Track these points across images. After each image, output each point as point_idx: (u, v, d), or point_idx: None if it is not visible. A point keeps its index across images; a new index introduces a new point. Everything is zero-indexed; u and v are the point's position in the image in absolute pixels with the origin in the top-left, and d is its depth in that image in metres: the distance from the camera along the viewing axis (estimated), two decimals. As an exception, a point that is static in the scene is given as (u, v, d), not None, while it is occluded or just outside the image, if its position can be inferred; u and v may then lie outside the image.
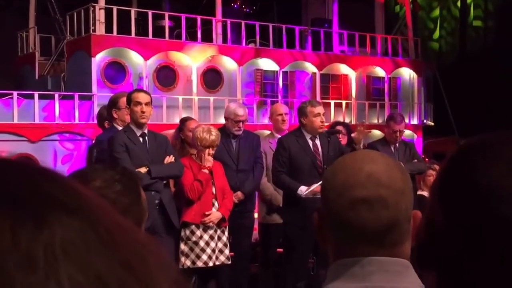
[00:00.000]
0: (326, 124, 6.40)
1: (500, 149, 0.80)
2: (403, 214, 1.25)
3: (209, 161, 5.59)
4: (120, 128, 5.55)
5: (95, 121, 9.42)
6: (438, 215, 0.83)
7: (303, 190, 5.48)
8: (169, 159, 5.28)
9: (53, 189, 0.52)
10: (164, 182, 5.30)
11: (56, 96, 9.49)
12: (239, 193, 6.10)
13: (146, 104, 5.17)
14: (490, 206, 0.77)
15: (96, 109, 9.57)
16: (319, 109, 5.79)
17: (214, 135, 5.59)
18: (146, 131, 5.26)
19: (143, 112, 5.13)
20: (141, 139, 5.21)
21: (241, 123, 6.27)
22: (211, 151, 5.64)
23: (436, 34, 15.66)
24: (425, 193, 6.85)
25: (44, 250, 0.48)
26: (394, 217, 1.23)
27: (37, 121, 9.31)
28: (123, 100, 5.53)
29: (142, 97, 5.19)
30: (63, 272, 0.47)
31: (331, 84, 12.29)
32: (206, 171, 5.57)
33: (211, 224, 5.51)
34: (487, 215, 0.76)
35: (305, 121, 5.76)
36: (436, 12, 15.73)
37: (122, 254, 0.51)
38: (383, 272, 1.23)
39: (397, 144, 6.87)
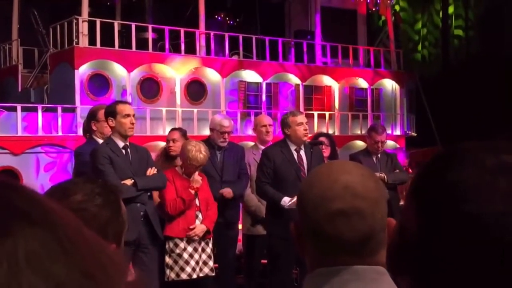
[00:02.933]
0: (309, 135, 6.45)
1: (474, 154, 0.83)
2: (379, 223, 1.27)
3: (198, 182, 5.60)
4: (99, 140, 5.55)
5: (78, 133, 9.42)
6: (411, 217, 0.85)
7: (286, 201, 5.50)
8: (152, 171, 5.27)
9: (17, 201, 0.54)
10: (148, 194, 5.31)
11: (39, 108, 9.45)
12: (229, 190, 6.10)
13: (133, 115, 5.22)
14: (456, 203, 0.79)
15: (79, 121, 9.55)
16: (301, 118, 5.81)
17: (204, 154, 5.60)
18: (128, 143, 5.25)
19: (132, 124, 5.16)
20: (123, 151, 5.19)
21: (226, 134, 6.30)
22: (199, 170, 5.66)
23: (420, 46, 15.84)
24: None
25: (8, 259, 0.49)
26: (370, 227, 1.26)
27: (19, 133, 9.26)
28: (102, 113, 5.52)
29: (130, 109, 5.21)
30: (25, 281, 0.49)
31: (314, 96, 12.35)
32: (192, 191, 5.58)
33: (196, 237, 5.51)
34: (453, 212, 0.79)
35: (289, 131, 5.78)
36: (419, 24, 15.91)
37: (83, 264, 0.53)
38: (359, 280, 1.25)
39: (379, 155, 6.93)
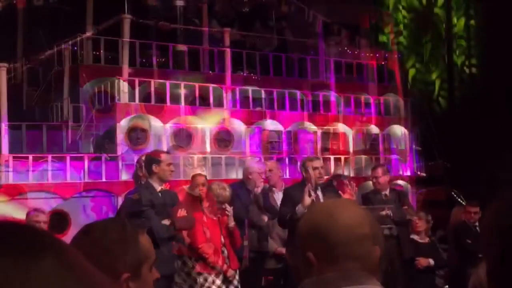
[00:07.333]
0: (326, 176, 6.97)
1: None
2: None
3: (231, 221, 6.15)
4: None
5: (120, 179, 10.39)
6: (493, 249, 0.99)
7: (300, 208, 5.91)
8: (182, 212, 5.77)
9: (26, 234, 0.59)
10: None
11: (86, 158, 10.33)
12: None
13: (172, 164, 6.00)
14: None
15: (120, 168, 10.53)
16: (317, 163, 6.26)
17: (228, 191, 6.20)
18: (163, 187, 5.83)
19: (172, 171, 5.91)
20: (160, 194, 5.74)
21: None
22: (229, 208, 6.12)
23: (436, 94, 16.35)
24: (415, 237, 7.42)
25: (21, 286, 0.53)
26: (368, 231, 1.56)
27: (68, 179, 10.21)
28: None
29: (171, 159, 5.97)
30: None
31: (331, 141, 13.18)
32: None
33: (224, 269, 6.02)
34: None
35: (306, 174, 6.23)
36: (434, 75, 16.44)
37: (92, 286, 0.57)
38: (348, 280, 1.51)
39: (387, 192, 7.28)
